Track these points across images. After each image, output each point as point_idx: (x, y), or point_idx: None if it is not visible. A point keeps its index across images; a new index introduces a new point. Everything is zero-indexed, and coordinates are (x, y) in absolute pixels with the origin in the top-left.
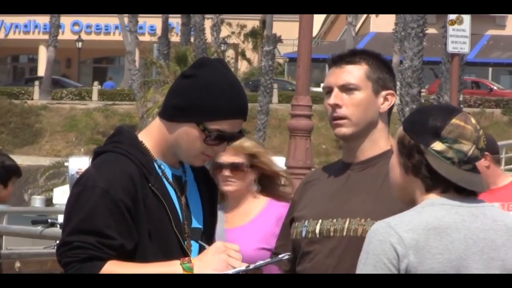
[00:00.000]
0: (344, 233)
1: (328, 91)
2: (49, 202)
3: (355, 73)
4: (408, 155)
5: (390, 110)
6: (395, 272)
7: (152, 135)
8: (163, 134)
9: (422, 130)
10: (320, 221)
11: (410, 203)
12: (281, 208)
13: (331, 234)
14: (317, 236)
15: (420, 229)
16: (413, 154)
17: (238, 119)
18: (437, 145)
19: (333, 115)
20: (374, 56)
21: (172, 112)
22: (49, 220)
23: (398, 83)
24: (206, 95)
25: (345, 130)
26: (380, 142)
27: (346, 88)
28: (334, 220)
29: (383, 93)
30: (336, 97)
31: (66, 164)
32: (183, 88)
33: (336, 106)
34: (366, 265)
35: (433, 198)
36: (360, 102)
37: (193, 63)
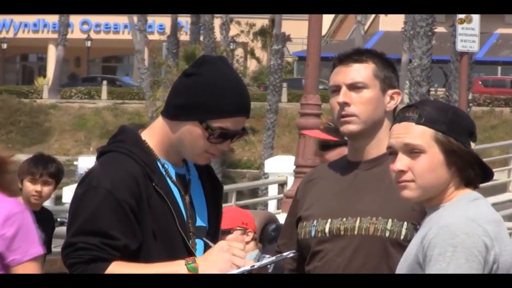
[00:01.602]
0: (355, 232)
1: (335, 89)
2: (58, 201)
3: (362, 71)
4: (462, 155)
5: (394, 109)
6: (483, 264)
7: (155, 134)
8: (166, 133)
9: (462, 131)
10: (329, 220)
11: (425, 201)
12: (10, 206)
13: (342, 233)
14: (327, 235)
15: (493, 222)
16: (466, 153)
17: (241, 117)
18: (472, 144)
19: (341, 113)
20: (379, 55)
21: (175, 111)
22: (59, 219)
23: (407, 82)
24: (208, 93)
25: (352, 127)
26: (386, 140)
27: (355, 87)
28: (344, 219)
29: (390, 91)
30: (345, 95)
31: (75, 163)
32: (185, 86)
33: (345, 104)
34: (457, 258)
35: (471, 193)
36: (369, 100)
37: (195, 61)
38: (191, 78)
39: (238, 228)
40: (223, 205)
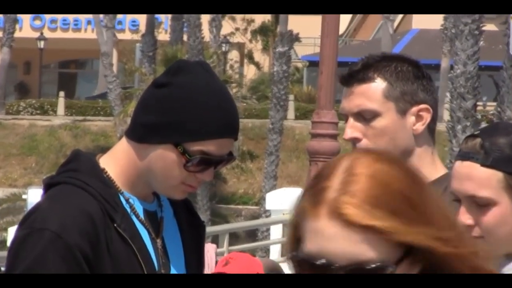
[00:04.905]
0: None
1: (345, 118)
2: (2, 244)
3: (370, 94)
4: None
5: (432, 126)
6: None
7: (117, 160)
8: (131, 159)
9: None
10: None
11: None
12: None
13: None
14: None
15: None
16: None
17: (227, 138)
18: None
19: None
20: (394, 62)
21: (143, 132)
22: (2, 268)
23: (447, 94)
24: (185, 109)
25: None
26: (424, 169)
27: (362, 116)
28: None
29: (413, 109)
30: (352, 128)
31: (24, 196)
32: (156, 100)
33: (354, 140)
34: None
35: None
36: (383, 130)
37: (168, 68)
38: (163, 90)
39: None
40: (223, 249)
